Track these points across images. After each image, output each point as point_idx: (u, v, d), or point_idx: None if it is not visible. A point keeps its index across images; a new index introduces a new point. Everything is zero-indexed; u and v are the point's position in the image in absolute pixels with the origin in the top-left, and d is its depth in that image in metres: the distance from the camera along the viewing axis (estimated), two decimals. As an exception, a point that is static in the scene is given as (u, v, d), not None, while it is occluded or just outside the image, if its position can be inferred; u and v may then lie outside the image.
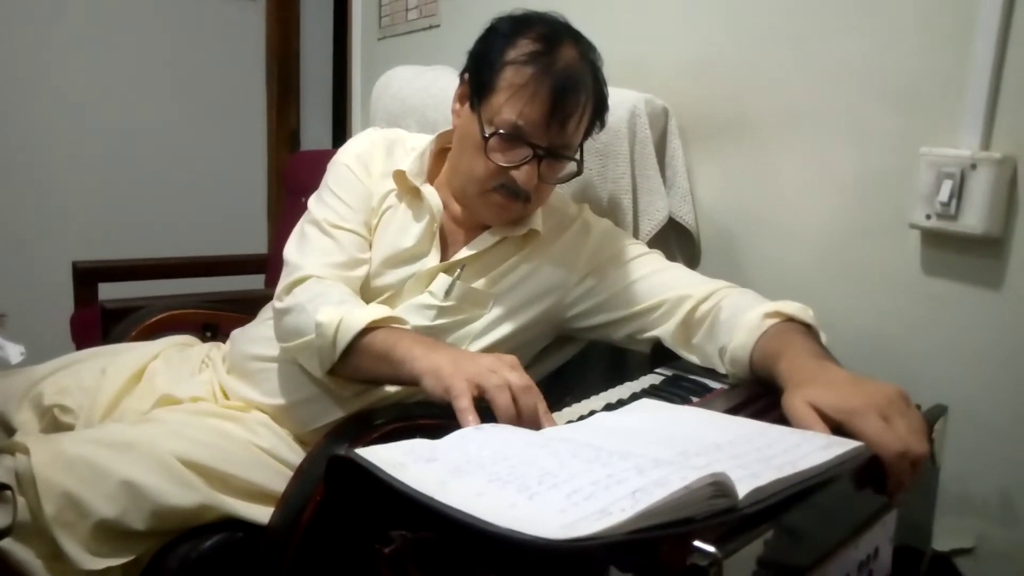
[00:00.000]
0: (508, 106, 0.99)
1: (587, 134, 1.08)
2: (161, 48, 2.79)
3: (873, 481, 0.65)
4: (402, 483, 0.55)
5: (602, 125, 1.10)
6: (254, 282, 2.35)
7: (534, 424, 0.76)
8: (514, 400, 0.76)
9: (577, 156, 1.06)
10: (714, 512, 0.51)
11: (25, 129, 2.60)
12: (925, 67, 0.98)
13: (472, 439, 0.65)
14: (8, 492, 0.86)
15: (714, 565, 0.48)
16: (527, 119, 0.99)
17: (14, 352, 0.92)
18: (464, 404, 0.76)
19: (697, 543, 0.48)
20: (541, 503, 0.51)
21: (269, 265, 2.32)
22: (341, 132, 2.93)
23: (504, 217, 1.08)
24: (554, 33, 1.02)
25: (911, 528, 0.74)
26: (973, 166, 0.92)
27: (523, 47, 1.00)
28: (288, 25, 2.98)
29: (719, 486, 0.51)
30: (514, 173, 1.02)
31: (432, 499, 0.52)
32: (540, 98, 0.99)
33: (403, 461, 0.59)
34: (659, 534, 0.49)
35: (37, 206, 2.64)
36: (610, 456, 0.57)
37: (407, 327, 0.94)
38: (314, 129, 3.07)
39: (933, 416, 0.77)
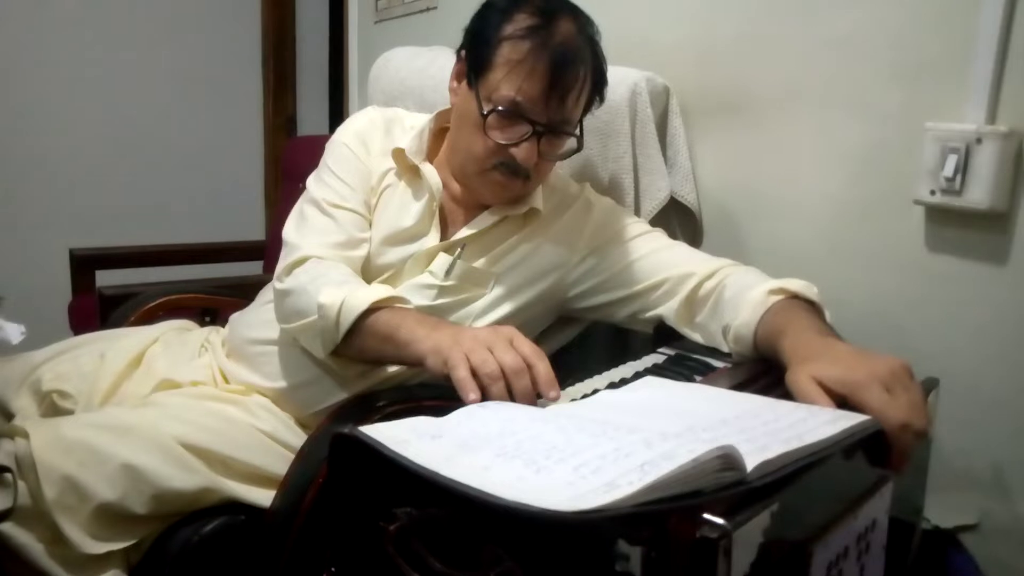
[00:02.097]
0: (506, 82, 0.98)
1: (587, 109, 1.06)
2: (157, 34, 2.76)
3: (872, 453, 0.64)
4: (407, 459, 0.54)
5: (601, 100, 1.08)
6: (252, 269, 2.34)
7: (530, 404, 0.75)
8: (508, 384, 0.75)
9: (577, 132, 1.05)
10: (722, 485, 0.51)
11: (21, 117, 2.58)
12: (929, 40, 0.97)
13: (477, 416, 0.65)
14: (8, 475, 0.85)
15: (724, 537, 0.47)
16: (526, 95, 0.98)
17: (14, 332, 0.91)
18: (462, 374, 0.75)
19: (706, 515, 0.48)
20: (549, 476, 0.50)
21: (267, 252, 2.31)
22: (338, 117, 2.91)
23: (504, 195, 1.07)
24: (551, 7, 1.00)
25: (903, 502, 0.74)
26: (978, 140, 0.91)
27: (520, 22, 0.99)
28: (284, 10, 2.96)
29: (727, 459, 0.51)
30: (514, 150, 1.00)
31: (438, 474, 0.52)
32: (538, 73, 0.97)
33: (407, 438, 0.58)
34: (668, 507, 0.48)
35: (33, 193, 2.62)
36: (617, 430, 0.57)
37: (410, 307, 0.93)
38: (311, 115, 3.05)
39: (925, 389, 0.77)
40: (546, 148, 1.02)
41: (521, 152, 1.00)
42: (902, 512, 0.76)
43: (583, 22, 1.03)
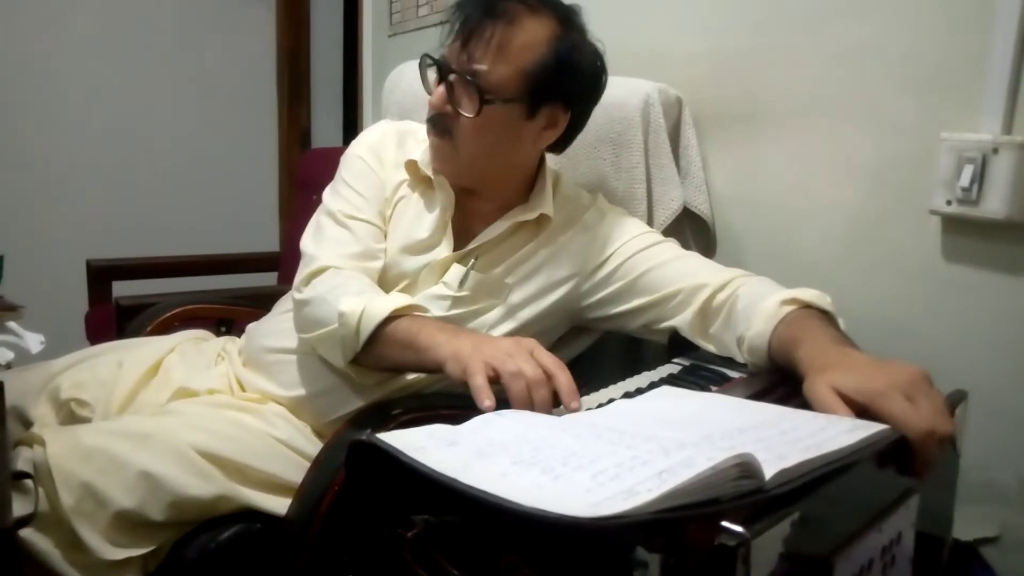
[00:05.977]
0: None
1: (529, 75, 0.99)
2: (173, 48, 2.80)
3: (897, 463, 0.64)
4: (425, 466, 0.55)
5: (562, 70, 1.00)
6: (266, 280, 2.35)
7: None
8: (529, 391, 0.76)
9: (498, 93, 0.99)
10: (740, 493, 0.51)
11: (39, 129, 2.62)
12: (945, 50, 0.97)
13: (494, 423, 0.65)
14: (28, 481, 0.86)
15: (742, 545, 0.47)
16: (446, 47, 1.03)
17: (34, 342, 0.92)
18: (479, 382, 0.75)
19: (725, 523, 0.48)
20: (566, 483, 0.51)
21: (281, 263, 2.33)
22: (352, 130, 2.93)
23: (438, 159, 1.07)
24: None
25: (932, 516, 0.73)
26: (995, 150, 0.91)
27: None
28: (298, 24, 2.99)
29: (745, 467, 0.51)
30: (431, 100, 1.03)
31: (455, 481, 0.52)
32: (453, 23, 1.02)
33: (424, 445, 0.59)
34: (686, 514, 0.48)
35: (51, 204, 2.65)
36: (634, 438, 0.57)
37: (429, 315, 0.94)
38: (325, 127, 3.08)
39: (953, 401, 0.76)
40: (458, 96, 1.01)
41: (433, 97, 1.03)
42: (931, 527, 0.75)
43: None
